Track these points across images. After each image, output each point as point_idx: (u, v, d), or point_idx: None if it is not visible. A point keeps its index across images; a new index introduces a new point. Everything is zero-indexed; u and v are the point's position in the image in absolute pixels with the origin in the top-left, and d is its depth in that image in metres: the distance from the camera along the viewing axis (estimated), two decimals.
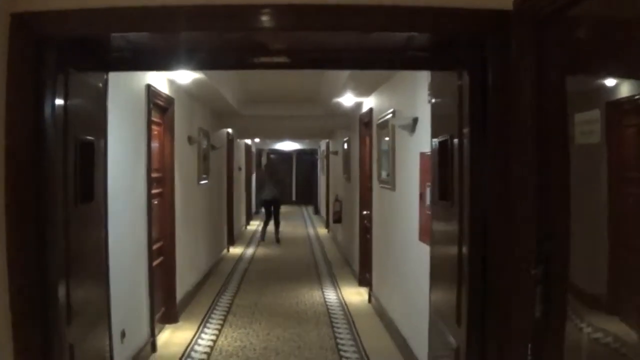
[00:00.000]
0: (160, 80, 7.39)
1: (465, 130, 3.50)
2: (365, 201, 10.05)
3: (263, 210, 18.10)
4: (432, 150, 4.28)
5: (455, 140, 3.67)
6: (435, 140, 4.14)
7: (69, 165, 3.46)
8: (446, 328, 3.91)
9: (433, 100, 4.40)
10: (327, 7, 3.27)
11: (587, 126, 2.57)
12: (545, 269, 2.97)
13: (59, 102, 3.34)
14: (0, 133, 3.16)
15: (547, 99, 3.01)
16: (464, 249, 3.53)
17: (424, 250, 5.47)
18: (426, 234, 5.45)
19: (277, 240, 17.01)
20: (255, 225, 22.34)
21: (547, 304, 2.96)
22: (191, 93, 9.25)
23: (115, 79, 4.80)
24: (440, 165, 4.02)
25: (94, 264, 3.98)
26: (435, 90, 4.40)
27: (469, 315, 3.49)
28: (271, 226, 17.18)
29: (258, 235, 18.20)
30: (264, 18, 3.31)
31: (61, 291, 3.37)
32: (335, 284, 11.11)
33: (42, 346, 3.28)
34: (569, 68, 2.90)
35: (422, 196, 5.76)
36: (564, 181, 2.89)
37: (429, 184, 5.33)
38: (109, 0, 3.22)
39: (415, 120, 6.09)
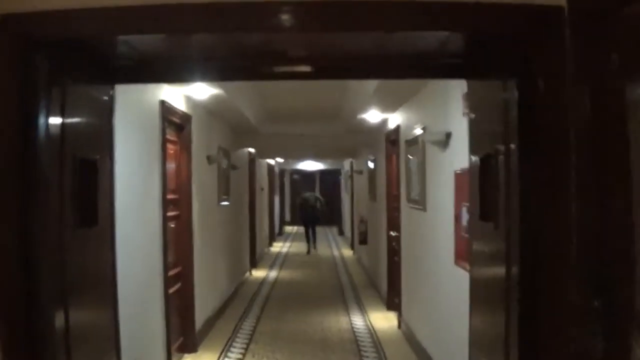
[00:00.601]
0: (176, 96, 7.05)
1: (513, 146, 3.09)
2: (393, 222, 9.66)
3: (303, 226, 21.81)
4: (471, 168, 3.86)
5: (501, 157, 3.25)
6: (475, 157, 3.73)
7: (65, 186, 3.09)
8: None
9: (471, 113, 3.98)
10: (350, 3, 2.90)
11: None
12: (608, 301, 2.57)
13: (54, 116, 2.99)
14: None
15: (608, 110, 2.60)
16: (513, 277, 3.12)
17: (461, 275, 5.08)
18: (463, 258, 5.05)
19: (314, 246, 20.63)
20: (279, 247, 22.07)
21: (610, 340, 2.55)
22: (209, 110, 8.92)
23: (125, 93, 4.46)
24: (482, 184, 3.60)
25: (99, 292, 3.63)
26: (473, 101, 3.98)
27: (520, 353, 3.06)
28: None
29: (282, 256, 18.78)
30: (283, 16, 2.93)
31: (58, 322, 3.02)
32: (362, 309, 10.70)
33: None
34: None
35: (457, 217, 5.35)
36: (628, 200, 2.48)
37: (465, 204, 4.94)
38: None
39: (448, 136, 5.69)
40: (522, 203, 3.04)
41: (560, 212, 2.84)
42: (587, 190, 2.69)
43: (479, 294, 3.81)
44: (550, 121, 2.91)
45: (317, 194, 23.07)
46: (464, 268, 4.94)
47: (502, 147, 3.23)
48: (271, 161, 22.22)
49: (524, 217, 3.03)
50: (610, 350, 2.54)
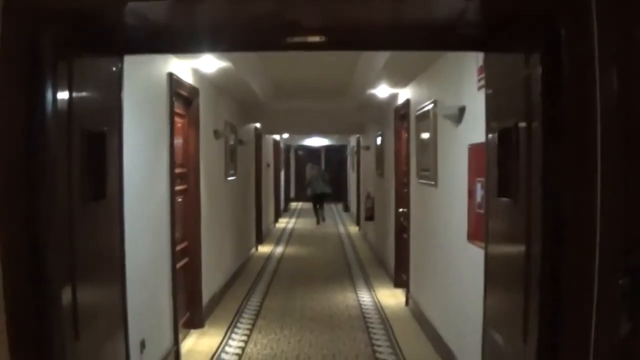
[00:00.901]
0: (184, 68, 6.95)
1: (536, 122, 3.00)
2: (402, 198, 9.57)
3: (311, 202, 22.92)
4: (489, 142, 3.77)
5: (522, 133, 3.16)
6: (493, 132, 3.63)
7: (73, 160, 3.01)
8: (507, 344, 3.42)
9: (488, 86, 3.88)
10: None
11: None
12: (633, 280, 2.49)
13: (61, 89, 2.93)
14: None
15: (636, 85, 2.51)
16: (533, 254, 3.04)
17: (474, 252, 5.00)
18: (477, 235, 4.97)
19: (323, 219, 21.74)
20: (284, 223, 22.05)
21: (635, 320, 2.50)
22: (217, 84, 8.81)
23: (132, 65, 4.36)
24: (500, 159, 3.51)
25: (108, 268, 3.58)
26: (491, 75, 3.87)
27: (540, 332, 2.98)
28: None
29: (287, 232, 18.87)
30: None
31: (65, 299, 2.97)
32: (369, 285, 10.63)
33: None
34: None
35: (471, 193, 5.25)
36: None
37: (479, 179, 4.85)
38: None
39: (461, 110, 5.58)
40: (544, 179, 2.96)
41: (585, 189, 2.76)
42: (613, 167, 2.60)
43: (496, 271, 3.73)
44: (575, 96, 2.83)
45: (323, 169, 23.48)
46: (478, 245, 4.85)
47: (523, 123, 3.14)
48: (277, 137, 22.13)
49: (546, 193, 2.95)
50: (635, 330, 2.48)
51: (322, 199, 21.93)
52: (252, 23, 3.55)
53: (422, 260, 7.96)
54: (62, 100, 2.93)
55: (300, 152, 32.32)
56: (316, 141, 29.68)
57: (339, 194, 28.92)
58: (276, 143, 22.38)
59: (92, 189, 3.24)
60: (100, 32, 3.30)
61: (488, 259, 3.87)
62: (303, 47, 3.90)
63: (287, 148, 30.12)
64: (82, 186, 3.11)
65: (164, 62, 6.18)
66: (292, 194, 31.15)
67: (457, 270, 5.88)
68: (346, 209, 26.90)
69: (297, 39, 3.67)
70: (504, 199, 3.46)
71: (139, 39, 3.60)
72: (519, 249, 3.20)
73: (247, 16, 3.48)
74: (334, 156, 31.16)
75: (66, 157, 2.97)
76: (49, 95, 2.84)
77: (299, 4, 3.18)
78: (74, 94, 3.01)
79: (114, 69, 3.61)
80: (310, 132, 25.08)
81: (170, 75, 6.30)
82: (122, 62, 3.68)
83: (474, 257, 4.98)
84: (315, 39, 3.65)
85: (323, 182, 21.84)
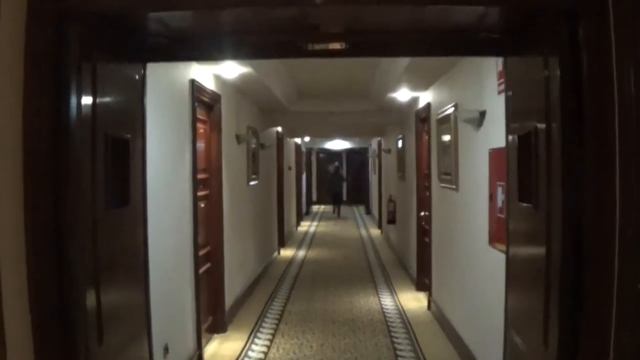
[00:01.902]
0: (205, 75, 7.00)
1: (555, 125, 3.00)
2: (423, 202, 9.56)
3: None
4: (509, 147, 3.77)
5: (541, 136, 3.16)
6: (513, 136, 3.63)
7: (97, 166, 3.05)
8: (528, 348, 3.42)
9: (508, 89, 3.88)
10: None
11: None
12: None
13: (86, 94, 2.96)
14: (17, 130, 2.76)
15: None
16: (554, 258, 3.04)
17: (495, 256, 5.00)
18: (498, 239, 4.96)
19: (339, 213, 25.94)
20: (306, 226, 22.05)
21: None
22: (239, 89, 8.86)
23: (155, 72, 4.41)
24: (520, 163, 3.51)
25: (131, 274, 3.60)
26: (510, 79, 3.87)
27: (560, 337, 2.98)
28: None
29: (309, 235, 18.62)
30: None
31: (90, 304, 3.00)
32: (391, 289, 10.63)
33: None
34: None
35: (492, 197, 5.25)
36: None
37: (500, 183, 4.85)
38: None
39: (482, 114, 5.58)
40: (564, 183, 2.95)
41: (604, 192, 2.76)
42: (632, 170, 2.61)
43: (517, 275, 3.73)
44: (594, 99, 2.83)
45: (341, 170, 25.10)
46: (499, 249, 4.85)
47: (542, 126, 3.14)
48: (298, 140, 22.15)
49: (566, 197, 2.95)
50: None
51: (339, 195, 26.70)
52: (273, 31, 3.58)
53: (443, 263, 7.97)
54: (87, 105, 2.96)
55: (321, 155, 32.36)
56: (337, 144, 29.72)
57: (360, 197, 29.02)
58: (297, 146, 22.40)
59: (115, 195, 3.27)
60: (124, 38, 3.34)
61: (509, 262, 3.87)
62: (324, 54, 3.92)
63: (309, 151, 30.16)
64: (106, 191, 3.15)
65: (186, 69, 6.23)
66: (314, 197, 31.18)
67: (479, 273, 5.88)
68: (368, 211, 26.88)
69: (318, 46, 3.70)
70: (525, 205, 3.46)
71: (161, 47, 3.64)
72: (539, 253, 3.21)
73: (268, 24, 3.51)
74: (356, 159, 31.20)
75: (91, 162, 3.00)
76: (74, 98, 2.87)
77: (320, 11, 3.19)
78: (98, 99, 3.04)
79: (137, 75, 3.65)
80: (331, 135, 25.16)
81: (192, 82, 6.36)
82: (144, 68, 3.71)
83: (495, 261, 4.99)
84: (336, 45, 3.67)
85: (338, 181, 26.78)
